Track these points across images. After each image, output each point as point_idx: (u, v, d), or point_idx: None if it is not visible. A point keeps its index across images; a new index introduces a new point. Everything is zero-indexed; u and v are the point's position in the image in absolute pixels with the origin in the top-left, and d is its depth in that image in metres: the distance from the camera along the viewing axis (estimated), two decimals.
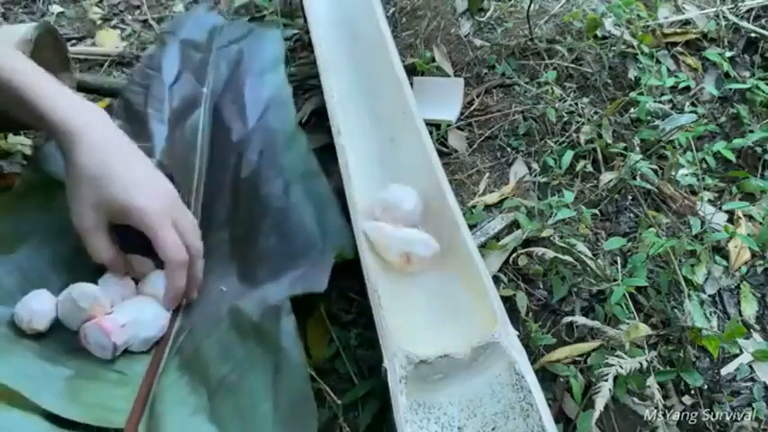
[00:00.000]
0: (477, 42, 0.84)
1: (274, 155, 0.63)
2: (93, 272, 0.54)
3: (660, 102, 0.73)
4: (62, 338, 0.50)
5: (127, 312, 0.50)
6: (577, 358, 0.53)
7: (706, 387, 0.52)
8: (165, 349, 0.51)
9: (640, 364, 0.48)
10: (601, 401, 0.45)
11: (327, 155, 0.61)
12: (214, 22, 0.83)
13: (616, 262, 0.59)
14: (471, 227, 0.61)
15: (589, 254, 0.57)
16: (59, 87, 0.50)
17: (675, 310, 0.56)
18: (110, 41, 0.95)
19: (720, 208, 0.64)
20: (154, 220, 0.49)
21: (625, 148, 0.68)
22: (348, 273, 0.53)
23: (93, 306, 0.49)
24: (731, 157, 0.67)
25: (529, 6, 0.81)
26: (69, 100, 0.50)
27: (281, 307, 0.45)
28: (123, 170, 0.50)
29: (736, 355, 0.54)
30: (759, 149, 0.69)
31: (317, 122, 0.74)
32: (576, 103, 0.74)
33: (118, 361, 0.49)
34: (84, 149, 0.48)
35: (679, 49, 0.80)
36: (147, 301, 0.52)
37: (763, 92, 0.72)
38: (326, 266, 0.50)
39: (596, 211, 0.63)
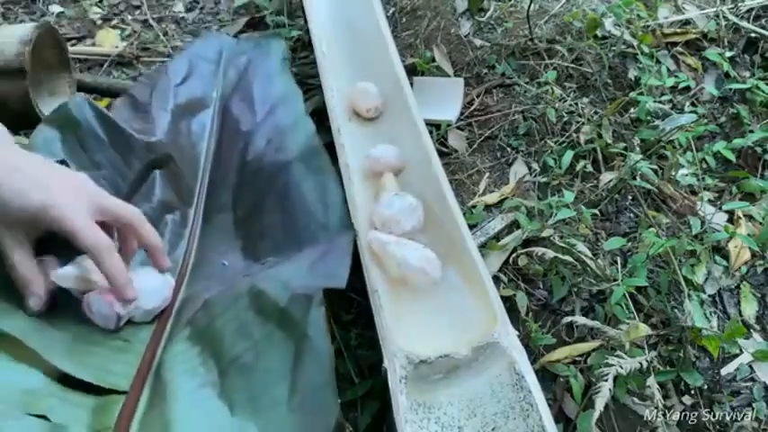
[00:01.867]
0: (477, 42, 0.84)
1: (281, 140, 0.65)
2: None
3: (660, 102, 0.73)
4: (65, 306, 0.49)
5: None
6: (577, 358, 0.53)
7: (706, 387, 0.52)
8: (169, 319, 0.50)
9: (640, 364, 0.48)
10: (601, 401, 0.45)
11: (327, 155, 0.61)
12: (223, 41, 0.85)
13: (616, 262, 0.59)
14: (471, 227, 0.61)
15: (589, 254, 0.57)
16: None
17: (675, 310, 0.56)
18: (110, 41, 0.95)
19: (720, 208, 0.64)
20: (65, 214, 0.44)
21: (625, 148, 0.68)
22: (349, 273, 0.53)
23: (82, 281, 0.48)
24: (731, 157, 0.67)
25: (529, 6, 0.81)
26: None
27: (312, 297, 0.44)
28: (10, 176, 0.44)
29: (736, 355, 0.54)
30: (759, 149, 0.69)
31: (317, 122, 0.74)
32: (576, 103, 0.74)
33: (121, 330, 0.49)
34: None
35: (679, 49, 0.80)
36: (150, 272, 0.53)
37: (763, 92, 0.72)
38: (345, 257, 0.49)
39: (596, 211, 0.63)
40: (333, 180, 0.58)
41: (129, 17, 1.00)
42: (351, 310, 0.58)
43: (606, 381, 0.46)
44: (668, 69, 0.77)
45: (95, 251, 0.45)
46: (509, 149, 0.72)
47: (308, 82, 0.82)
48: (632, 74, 0.77)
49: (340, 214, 0.55)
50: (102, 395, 0.42)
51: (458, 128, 0.75)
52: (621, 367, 0.47)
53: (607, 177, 0.67)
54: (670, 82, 0.74)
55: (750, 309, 0.58)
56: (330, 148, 0.61)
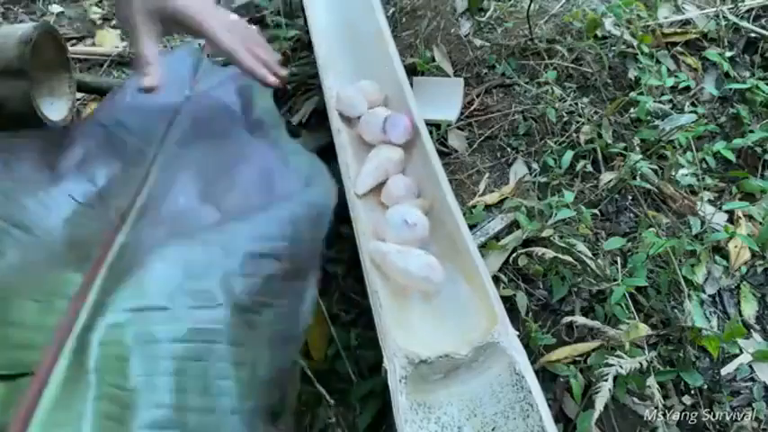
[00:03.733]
0: (477, 42, 0.84)
1: (247, 110, 0.65)
2: None
3: (660, 102, 0.73)
4: None
5: None
6: (577, 358, 0.53)
7: (706, 387, 0.52)
8: (101, 269, 0.44)
9: (640, 364, 0.48)
10: (601, 401, 0.45)
11: (327, 155, 0.61)
12: (191, 65, 0.74)
13: (616, 262, 0.59)
14: (471, 227, 0.61)
15: (589, 254, 0.57)
16: None
17: (675, 310, 0.56)
18: (109, 41, 0.95)
19: (720, 208, 0.64)
20: (196, 15, 0.55)
21: (625, 148, 0.68)
22: (349, 273, 0.53)
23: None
24: (731, 157, 0.67)
25: (529, 6, 0.81)
26: None
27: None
28: None
29: (736, 355, 0.54)
30: (759, 149, 0.69)
31: (317, 122, 0.74)
32: (576, 103, 0.74)
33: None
34: None
35: (679, 49, 0.80)
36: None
37: (763, 92, 0.72)
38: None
39: (596, 211, 0.63)
40: (298, 150, 0.59)
41: None
42: (351, 310, 0.58)
43: (606, 381, 0.46)
44: (668, 69, 0.77)
45: (233, 51, 0.57)
46: (509, 149, 0.72)
47: (308, 82, 0.82)
48: (632, 74, 0.77)
49: (317, 183, 0.55)
50: (12, 380, 0.36)
51: (458, 128, 0.75)
52: (621, 367, 0.47)
53: (607, 177, 0.67)
54: (670, 82, 0.74)
55: (750, 309, 0.58)
56: (330, 148, 0.61)
